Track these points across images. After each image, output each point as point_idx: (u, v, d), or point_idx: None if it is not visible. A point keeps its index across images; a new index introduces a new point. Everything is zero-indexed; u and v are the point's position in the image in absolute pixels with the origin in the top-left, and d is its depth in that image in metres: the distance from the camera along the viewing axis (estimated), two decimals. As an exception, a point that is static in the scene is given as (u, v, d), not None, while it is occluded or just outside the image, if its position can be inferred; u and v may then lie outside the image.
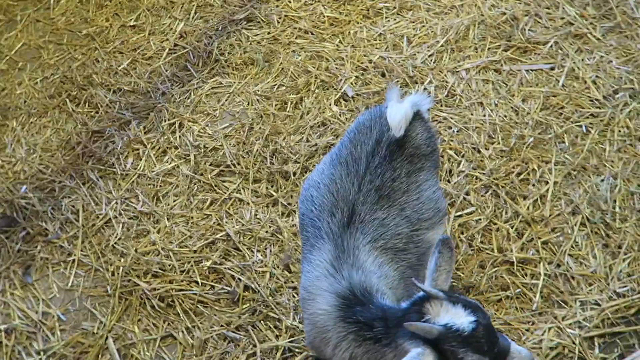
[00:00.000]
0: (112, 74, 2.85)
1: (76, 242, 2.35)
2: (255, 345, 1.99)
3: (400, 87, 2.57)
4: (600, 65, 2.55)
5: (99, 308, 2.18)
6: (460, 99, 2.52)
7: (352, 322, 1.37)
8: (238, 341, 2.00)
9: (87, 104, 2.77)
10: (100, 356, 2.05)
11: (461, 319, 1.21)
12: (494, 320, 1.93)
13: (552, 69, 2.57)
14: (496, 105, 2.48)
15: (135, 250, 2.26)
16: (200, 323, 2.07)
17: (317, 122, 2.51)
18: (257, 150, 2.47)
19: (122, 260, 2.25)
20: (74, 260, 2.30)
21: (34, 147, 2.66)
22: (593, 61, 2.56)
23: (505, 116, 2.44)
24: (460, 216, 2.16)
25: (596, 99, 2.45)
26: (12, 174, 2.58)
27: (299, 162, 2.38)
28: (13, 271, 2.31)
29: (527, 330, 1.92)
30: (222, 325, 2.04)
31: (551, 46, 2.60)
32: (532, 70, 2.57)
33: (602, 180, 2.21)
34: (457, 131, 2.41)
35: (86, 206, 2.44)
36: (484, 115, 2.44)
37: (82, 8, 3.19)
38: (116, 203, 2.42)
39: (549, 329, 1.92)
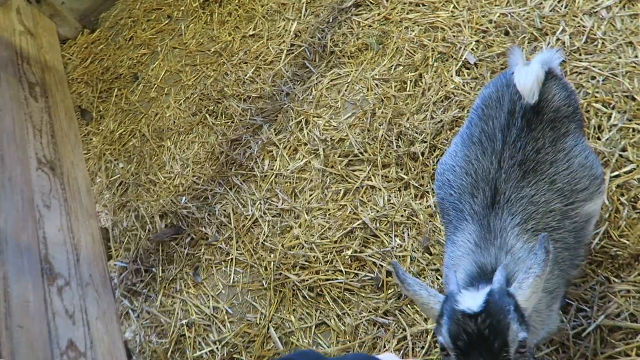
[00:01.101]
0: (241, 84, 3.07)
1: (231, 242, 2.60)
2: (404, 329, 2.01)
3: (529, 42, 2.34)
4: None
5: (259, 300, 2.39)
6: (602, 43, 2.21)
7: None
8: (388, 326, 2.04)
9: (223, 115, 3.03)
10: (265, 344, 2.26)
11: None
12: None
13: None
14: (650, 41, 2.13)
15: (282, 246, 2.42)
16: (350, 310, 2.16)
17: (440, 97, 2.41)
18: (382, 135, 2.46)
19: (272, 255, 2.43)
20: (232, 259, 2.55)
21: (186, 161, 2.99)
22: None
23: (664, 52, 2.09)
24: (617, 176, 1.91)
25: None
26: (173, 188, 2.94)
27: (425, 142, 2.32)
28: (185, 272, 2.64)
29: None
30: (370, 311, 2.10)
31: None
32: (694, -10, 2.15)
33: None
34: (603, 80, 2.12)
35: (235, 209, 2.68)
36: (636, 56, 2.12)
37: (208, 28, 3.47)
38: (260, 203, 2.61)
39: None
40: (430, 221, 2.17)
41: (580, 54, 2.23)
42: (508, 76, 1.50)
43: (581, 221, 1.42)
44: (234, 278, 2.51)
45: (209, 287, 2.54)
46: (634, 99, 2.04)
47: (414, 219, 2.20)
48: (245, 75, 3.08)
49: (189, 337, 2.43)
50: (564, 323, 1.77)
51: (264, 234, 2.52)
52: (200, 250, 2.66)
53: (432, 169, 2.27)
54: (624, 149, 1.95)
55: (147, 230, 2.86)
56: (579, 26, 2.29)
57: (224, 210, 2.71)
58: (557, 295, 1.40)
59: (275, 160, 2.71)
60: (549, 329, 1.40)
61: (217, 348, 2.33)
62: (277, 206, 2.56)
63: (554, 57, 1.51)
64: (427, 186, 2.25)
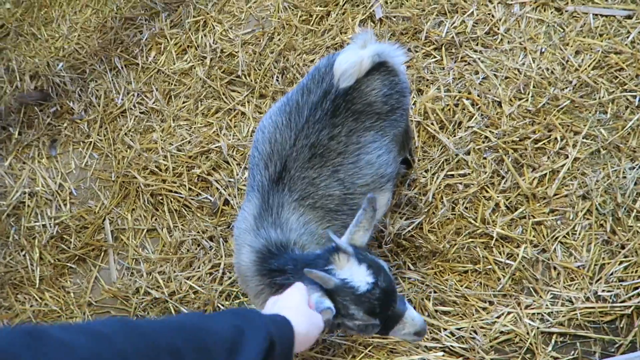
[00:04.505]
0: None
1: (95, 126, 2.53)
2: (221, 257, 2.11)
3: (436, 15, 2.26)
4: (695, 21, 2.03)
5: (104, 191, 2.39)
6: (501, 40, 2.17)
7: (266, 274, 1.39)
8: (209, 250, 2.14)
9: (125, -13, 2.78)
10: (96, 233, 2.30)
11: (360, 277, 1.20)
12: (452, 291, 1.86)
13: (629, 17, 2.09)
14: (542, 53, 2.12)
15: (140, 145, 2.39)
16: (182, 225, 2.22)
17: (335, 44, 2.33)
18: (269, 64, 2.38)
19: (128, 151, 2.40)
20: (91, 142, 2.50)
21: (75, 25, 2.78)
22: (688, 15, 2.04)
23: (547, 69, 2.09)
24: (451, 176, 1.99)
25: (670, 66, 1.99)
26: (54, 50, 2.75)
27: (303, 85, 2.28)
28: (42, 142, 2.57)
29: (483, 309, 1.83)
30: (198, 232, 2.17)
31: (637, -12, 2.09)
32: (602, 15, 2.11)
33: (633, 168, 1.88)
34: (483, 78, 2.12)
35: (108, 93, 2.57)
36: (523, 64, 2.11)
37: None
38: (133, 95, 2.52)
39: (508, 313, 1.82)
40: (281, 164, 2.20)
41: (477, 44, 2.19)
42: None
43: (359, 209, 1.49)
44: (87, 162, 2.48)
45: (62, 163, 2.50)
46: (500, 106, 2.06)
47: (268, 158, 2.22)
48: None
49: (28, 206, 2.43)
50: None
51: (127, 128, 2.46)
52: (63, 124, 2.58)
53: (300, 115, 2.25)
54: (468, 152, 2.01)
55: (14, 87, 2.71)
56: (488, 14, 2.22)
57: (97, 91, 2.59)
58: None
59: (162, 54, 2.58)
60: None
61: (50, 224, 2.36)
62: (148, 103, 2.48)
63: (398, 54, 1.47)
64: (290, 130, 2.24)
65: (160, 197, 2.28)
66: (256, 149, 1.53)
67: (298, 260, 1.32)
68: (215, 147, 2.30)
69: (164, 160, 2.33)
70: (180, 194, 2.25)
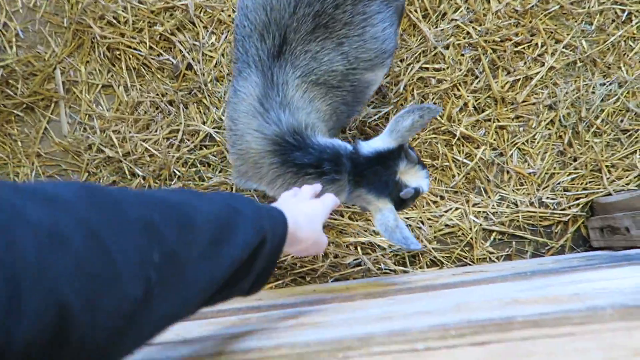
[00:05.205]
0: None
1: (45, -40, 2.24)
2: (180, 124, 2.04)
3: None
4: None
5: (55, 37, 2.20)
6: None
7: (291, 165, 1.32)
8: (167, 114, 2.06)
9: None
10: (45, 82, 2.15)
11: (423, 182, 1.32)
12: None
13: None
14: (541, -51, 1.99)
15: (97, -10, 2.16)
16: (140, 85, 2.10)
17: None
18: None
19: (83, -4, 2.17)
20: (40, -21, 2.23)
21: None
22: None
23: (544, -32, 1.97)
24: (425, 69, 1.94)
25: (666, -17, 1.93)
26: None
27: (285, -53, 2.06)
28: (-16, -29, 2.27)
29: (433, 202, 1.91)
30: (157, 95, 2.07)
31: None
32: None
33: (603, 85, 1.89)
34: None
35: None
36: None
37: None
38: None
39: (456, 209, 1.90)
40: (252, 33, 2.06)
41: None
42: None
43: (361, 86, 1.45)
44: (37, 1, 2.23)
45: (7, 0, 2.25)
46: (488, 2, 1.96)
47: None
48: None
49: (-32, 43, 2.21)
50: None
51: (83, -32, 2.20)
52: (8, -47, 2.27)
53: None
54: (446, 47, 1.94)
55: None
56: None
57: None
58: (332, 134, 1.50)
59: None
60: None
61: (-5, 66, 2.17)
62: (108, -58, 2.20)
63: None
64: (265, -4, 2.07)
65: (118, 52, 2.12)
66: (245, 18, 1.36)
67: (342, 161, 1.28)
68: (181, 4, 2.11)
69: (123, 11, 2.13)
70: (140, 51, 2.10)
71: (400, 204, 1.31)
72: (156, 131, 2.05)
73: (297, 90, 1.34)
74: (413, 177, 1.29)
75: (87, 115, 2.09)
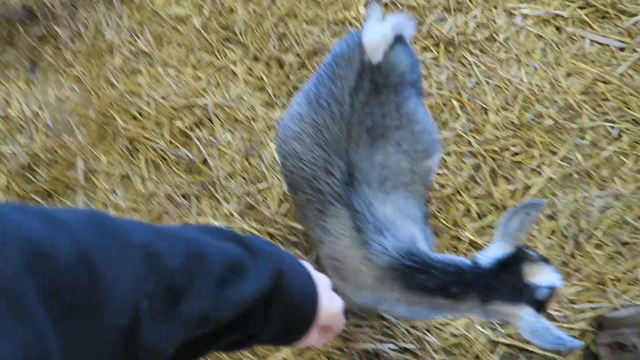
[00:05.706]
0: None
1: (80, 57, 2.44)
2: (192, 216, 2.12)
3: (442, 10, 2.25)
4: (684, 66, 2.10)
5: (80, 128, 2.34)
6: (499, 48, 2.19)
7: (415, 290, 1.27)
8: (180, 206, 2.14)
9: None
10: (67, 170, 2.27)
11: (554, 277, 1.21)
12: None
13: (622, 49, 2.14)
14: (535, 69, 2.16)
15: (124, 86, 2.33)
16: (156, 177, 2.21)
17: (338, 19, 2.30)
18: (269, 27, 2.33)
19: (111, 90, 2.34)
20: (73, 74, 2.42)
21: (70, -55, 2.63)
22: (678, 58, 2.10)
23: (538, 85, 2.13)
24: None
25: (651, 105, 2.07)
26: (44, -33, 2.60)
27: (299, 55, 2.25)
28: (22, 64, 2.47)
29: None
30: (171, 187, 2.17)
31: (637, 22, 2.13)
32: (597, 42, 2.15)
33: (600, 197, 1.98)
34: (476, 83, 2.15)
35: (98, 25, 2.47)
36: (515, 76, 2.15)
37: None
38: (124, 33, 2.43)
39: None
40: (266, 134, 2.19)
41: (475, 47, 2.20)
42: (361, 34, 1.41)
43: (424, 174, 1.50)
44: (67, 94, 2.40)
45: (40, 91, 2.42)
46: (486, 114, 2.11)
47: (253, 124, 2.21)
48: None
49: (0, 130, 2.36)
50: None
51: (113, 66, 2.39)
52: (46, 49, 2.48)
53: (292, 86, 2.24)
54: (448, 153, 2.06)
55: (1, 2, 2.56)
56: (491, 20, 2.23)
57: (87, 20, 2.49)
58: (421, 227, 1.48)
59: (160, -5, 2.48)
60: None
61: (22, 152, 2.30)
62: (138, 44, 2.41)
63: (408, 25, 1.47)
64: (278, 98, 2.23)
65: (138, 145, 2.25)
66: (300, 161, 1.39)
67: (467, 280, 1.22)
68: (201, 103, 2.27)
69: (146, 106, 2.29)
70: (159, 144, 2.23)
71: (539, 307, 1.20)
72: (168, 223, 2.12)
73: (383, 205, 1.34)
74: (542, 276, 1.21)
75: (103, 204, 2.18)
